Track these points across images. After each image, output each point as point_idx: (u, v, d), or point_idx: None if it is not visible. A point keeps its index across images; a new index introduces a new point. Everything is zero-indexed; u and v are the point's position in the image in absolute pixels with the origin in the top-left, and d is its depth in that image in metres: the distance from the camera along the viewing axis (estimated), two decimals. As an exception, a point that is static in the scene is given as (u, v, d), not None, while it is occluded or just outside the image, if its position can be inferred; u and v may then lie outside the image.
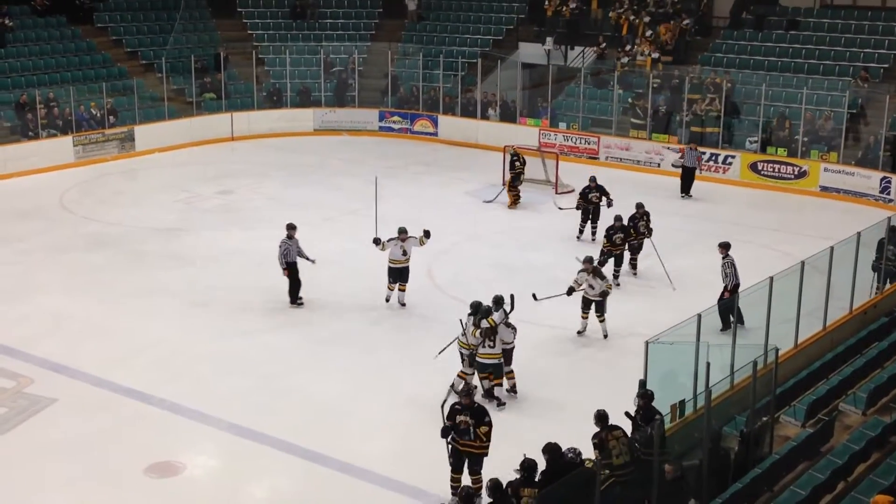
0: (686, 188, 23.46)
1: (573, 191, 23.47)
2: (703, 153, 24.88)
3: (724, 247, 15.43)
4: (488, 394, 12.76)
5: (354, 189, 23.60)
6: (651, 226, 18.06)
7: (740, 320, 13.13)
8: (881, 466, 9.78)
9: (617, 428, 9.86)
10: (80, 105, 26.21)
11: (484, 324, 12.73)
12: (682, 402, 11.10)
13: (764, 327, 11.80)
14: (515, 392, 13.06)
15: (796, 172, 24.06)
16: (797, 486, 9.30)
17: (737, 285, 14.98)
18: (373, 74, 31.09)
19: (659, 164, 25.70)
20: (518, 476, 9.12)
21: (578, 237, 19.58)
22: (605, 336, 14.91)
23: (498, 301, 13.27)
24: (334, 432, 12.05)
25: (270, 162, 26.42)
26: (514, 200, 22.47)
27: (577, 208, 19.50)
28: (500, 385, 12.82)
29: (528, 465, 9.15)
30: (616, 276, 17.17)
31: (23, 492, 10.75)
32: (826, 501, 9.38)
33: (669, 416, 10.86)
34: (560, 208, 20.28)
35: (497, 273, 17.85)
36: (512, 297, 13.42)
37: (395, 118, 30.01)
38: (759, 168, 24.47)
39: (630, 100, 27.09)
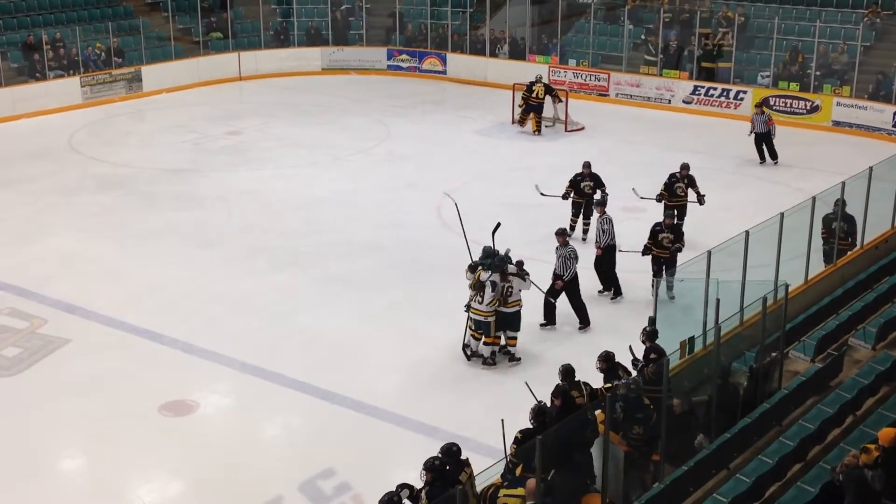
0: (769, 154, 20.69)
1: (583, 128, 23.37)
2: (715, 89, 24.67)
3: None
4: (488, 358, 12.22)
5: (363, 128, 23.53)
6: (701, 191, 16.11)
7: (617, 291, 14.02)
8: (890, 400, 9.82)
9: (580, 385, 9.71)
10: (87, 46, 26.03)
11: (470, 277, 12.32)
12: (692, 339, 11.12)
13: (774, 263, 11.78)
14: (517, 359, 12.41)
15: (809, 107, 23.82)
16: (805, 420, 9.35)
17: (612, 246, 14.05)
18: (380, 12, 30.74)
19: (669, 101, 25.46)
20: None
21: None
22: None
23: (489, 255, 12.65)
24: (346, 371, 12.14)
25: (278, 102, 26.27)
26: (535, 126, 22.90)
27: (565, 198, 16.06)
28: (507, 344, 12.37)
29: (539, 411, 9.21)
30: (667, 288, 13.06)
31: (38, 431, 10.89)
32: (834, 435, 9.43)
33: (679, 352, 10.91)
34: (542, 194, 16.72)
35: (507, 211, 17.79)
36: (498, 224, 13.22)
37: (404, 57, 29.72)
38: (772, 103, 24.21)
39: (643, 36, 26.76)
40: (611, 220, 14.07)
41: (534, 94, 22.90)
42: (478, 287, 12.10)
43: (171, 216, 17.58)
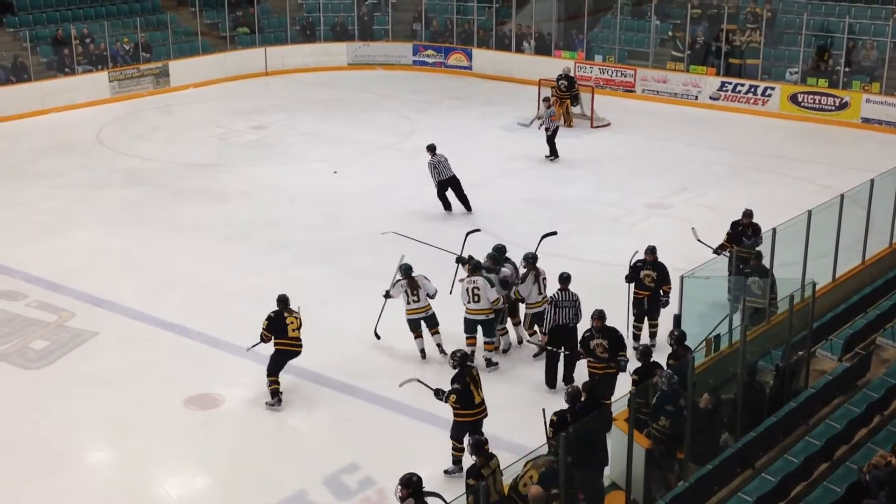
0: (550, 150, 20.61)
1: (609, 124, 23.28)
2: (742, 85, 24.50)
3: (431, 149, 16.78)
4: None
5: (388, 124, 23.55)
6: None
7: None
8: (918, 400, 9.75)
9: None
10: (115, 41, 26.21)
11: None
12: (718, 337, 11.08)
13: (801, 261, 11.69)
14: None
15: (837, 104, 23.60)
16: (832, 419, 9.29)
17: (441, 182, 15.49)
18: (406, 7, 30.74)
19: (696, 97, 25.31)
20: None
21: (634, 345, 12.15)
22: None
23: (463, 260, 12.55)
24: (370, 366, 12.16)
25: (304, 97, 26.34)
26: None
27: (628, 280, 12.60)
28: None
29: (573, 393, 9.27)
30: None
31: (65, 423, 10.98)
32: (861, 435, 9.36)
33: (704, 350, 10.86)
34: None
35: (531, 207, 17.80)
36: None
37: (429, 52, 29.72)
38: (800, 100, 24.02)
39: (670, 32, 26.61)
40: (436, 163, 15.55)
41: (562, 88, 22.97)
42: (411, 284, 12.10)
43: (196, 210, 17.67)
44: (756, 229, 13.38)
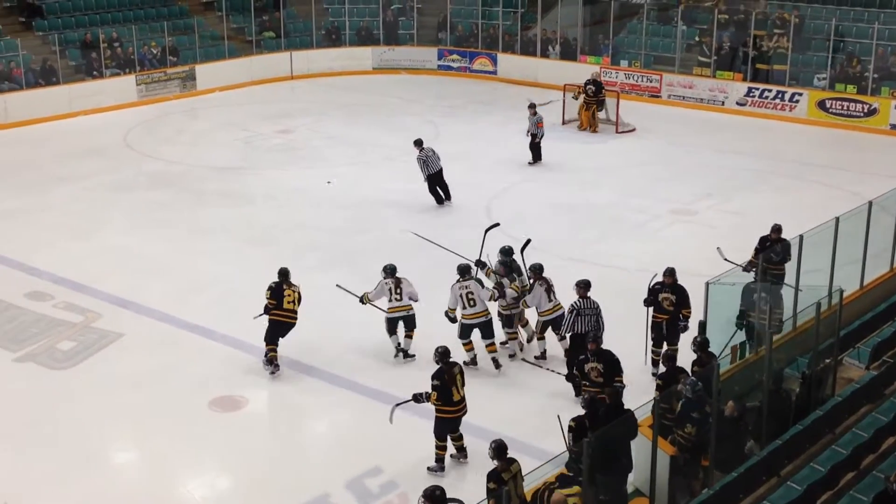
0: (533, 155, 20.70)
1: (634, 129, 23.19)
2: (769, 91, 24.40)
3: (418, 143, 17.59)
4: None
5: (413, 128, 23.52)
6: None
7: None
8: (947, 410, 9.63)
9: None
10: (143, 44, 26.41)
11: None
12: (743, 344, 11.01)
13: (829, 268, 11.59)
14: (475, 363, 12.12)
15: (866, 110, 23.41)
16: (859, 428, 9.20)
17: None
18: (431, 12, 30.78)
19: (723, 103, 25.18)
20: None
21: (654, 371, 11.83)
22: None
23: (466, 270, 12.28)
24: (394, 370, 12.16)
25: (329, 101, 26.43)
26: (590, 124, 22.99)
27: (647, 304, 12.00)
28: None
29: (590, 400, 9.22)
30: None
31: (90, 424, 11.04)
32: (889, 444, 9.27)
33: (729, 357, 10.79)
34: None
35: (556, 212, 17.77)
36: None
37: (454, 56, 29.74)
38: (828, 106, 23.84)
39: (697, 37, 26.50)
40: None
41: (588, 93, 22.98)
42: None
43: (222, 213, 17.76)
44: (785, 246, 12.50)
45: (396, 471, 10.18)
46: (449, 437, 10.24)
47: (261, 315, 12.10)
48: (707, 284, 10.84)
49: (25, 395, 11.66)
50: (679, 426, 9.16)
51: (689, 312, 11.63)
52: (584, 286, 11.58)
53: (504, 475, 8.31)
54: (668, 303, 11.72)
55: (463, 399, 10.13)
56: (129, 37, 26.18)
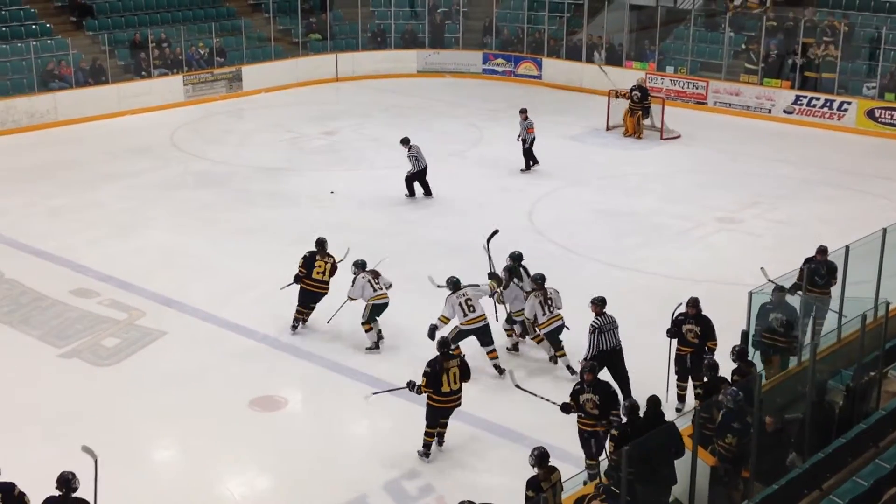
0: (526, 161, 20.45)
1: (679, 136, 23.03)
2: (817, 100, 24.12)
3: (405, 142, 18.20)
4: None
5: (456, 131, 23.61)
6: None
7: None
8: None
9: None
10: (190, 45, 26.71)
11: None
12: (786, 354, 10.88)
13: (875, 280, 11.43)
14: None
15: (916, 120, 23.07)
16: (904, 443, 9.07)
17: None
18: (477, 16, 30.80)
19: (770, 111, 24.92)
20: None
21: (678, 406, 11.44)
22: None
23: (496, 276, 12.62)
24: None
25: (374, 103, 26.54)
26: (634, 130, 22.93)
27: (670, 336, 11.33)
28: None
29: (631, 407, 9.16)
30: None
31: (131, 420, 11.16)
32: (934, 460, 9.11)
33: (772, 368, 10.68)
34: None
35: (599, 218, 17.70)
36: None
37: (499, 60, 29.73)
38: (877, 115, 23.50)
39: (743, 44, 26.26)
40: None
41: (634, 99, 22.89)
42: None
43: (266, 214, 17.90)
44: (831, 268, 11.85)
45: (434, 474, 10.19)
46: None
47: (289, 285, 12.88)
48: (750, 294, 10.74)
49: (69, 390, 11.82)
50: (720, 436, 9.08)
51: (716, 345, 10.96)
52: (599, 303, 11.34)
53: (543, 484, 8.29)
54: (692, 335, 11.07)
55: (454, 392, 10.37)
56: (178, 37, 26.49)
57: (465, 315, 11.96)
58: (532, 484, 8.36)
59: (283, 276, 13.81)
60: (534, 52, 29.31)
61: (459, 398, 10.47)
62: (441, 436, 10.66)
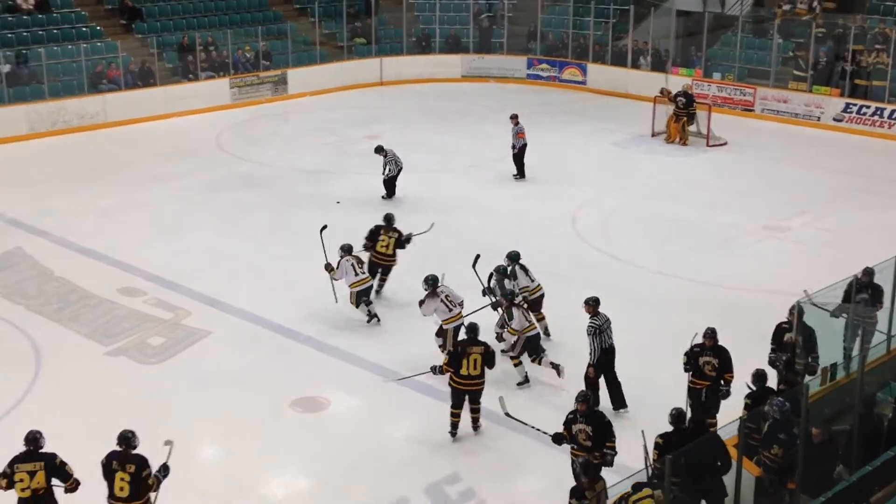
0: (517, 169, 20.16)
1: (726, 143, 22.81)
2: (867, 108, 23.78)
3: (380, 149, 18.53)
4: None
5: (500, 136, 23.50)
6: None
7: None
8: None
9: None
10: (237, 48, 26.96)
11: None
12: (834, 366, 10.71)
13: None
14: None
15: (969, 129, 22.67)
16: (954, 457, 8.89)
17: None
18: (522, 21, 30.77)
19: (818, 118, 24.61)
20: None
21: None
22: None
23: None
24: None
25: (417, 107, 26.60)
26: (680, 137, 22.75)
27: (687, 370, 10.81)
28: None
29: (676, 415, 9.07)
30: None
31: (175, 419, 11.22)
32: None
33: (820, 379, 10.52)
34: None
35: (643, 225, 17.58)
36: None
37: (544, 66, 29.65)
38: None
39: (792, 51, 25.96)
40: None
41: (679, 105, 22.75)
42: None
43: (309, 216, 17.91)
44: (876, 291, 11.25)
45: (475, 478, 10.17)
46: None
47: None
48: (798, 304, 10.59)
49: (115, 388, 11.95)
50: (765, 447, 8.98)
51: (732, 377, 10.54)
52: (594, 303, 11.27)
53: (588, 493, 8.23)
54: (709, 367, 10.55)
55: (473, 377, 10.68)
56: (224, 41, 26.74)
57: (449, 312, 12.24)
58: (576, 493, 8.30)
59: (326, 278, 13.89)
60: (578, 57, 29.21)
61: (479, 384, 10.77)
62: (475, 420, 10.92)
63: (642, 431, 9.02)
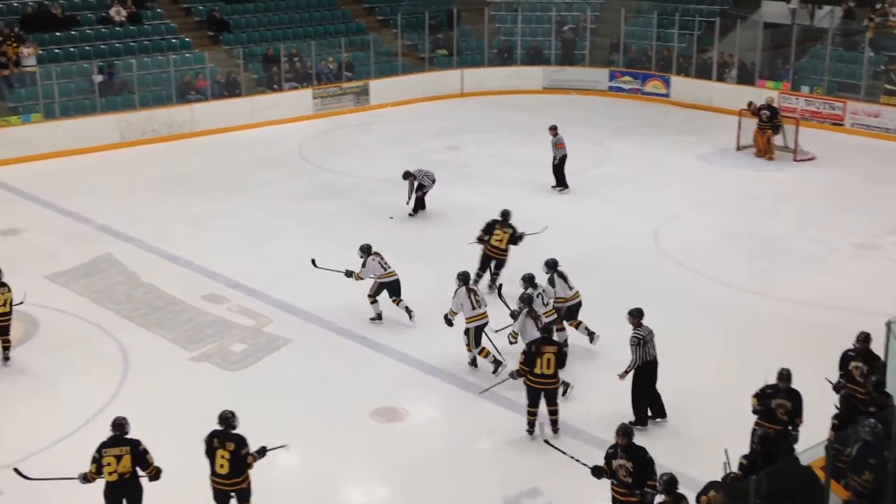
0: (557, 180, 20.15)
1: (814, 158, 22.31)
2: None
3: (408, 175, 18.29)
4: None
5: (581, 149, 23.32)
6: None
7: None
8: None
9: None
10: (321, 59, 27.29)
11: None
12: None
13: None
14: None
15: None
16: None
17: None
18: (604, 33, 30.55)
19: (911, 133, 23.95)
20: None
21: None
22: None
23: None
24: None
25: (498, 119, 26.56)
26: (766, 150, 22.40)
27: (755, 410, 10.02)
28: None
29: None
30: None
31: (256, 425, 11.24)
32: None
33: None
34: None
35: (728, 241, 17.26)
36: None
37: (626, 78, 29.38)
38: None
39: (883, 65, 25.29)
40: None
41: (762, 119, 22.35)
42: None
43: (389, 226, 18.06)
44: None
45: (555, 494, 10.07)
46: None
47: (471, 243, 14.73)
48: (889, 324, 10.28)
49: (198, 394, 12.11)
50: (855, 472, 8.69)
51: (801, 422, 9.90)
52: (638, 315, 11.22)
53: None
54: (782, 411, 9.80)
55: (546, 376, 10.82)
56: (308, 52, 27.09)
57: (474, 309, 12.38)
58: None
59: (408, 288, 13.95)
60: (662, 69, 28.88)
61: (553, 383, 10.95)
62: (554, 423, 11.06)
63: (725, 450, 8.85)
